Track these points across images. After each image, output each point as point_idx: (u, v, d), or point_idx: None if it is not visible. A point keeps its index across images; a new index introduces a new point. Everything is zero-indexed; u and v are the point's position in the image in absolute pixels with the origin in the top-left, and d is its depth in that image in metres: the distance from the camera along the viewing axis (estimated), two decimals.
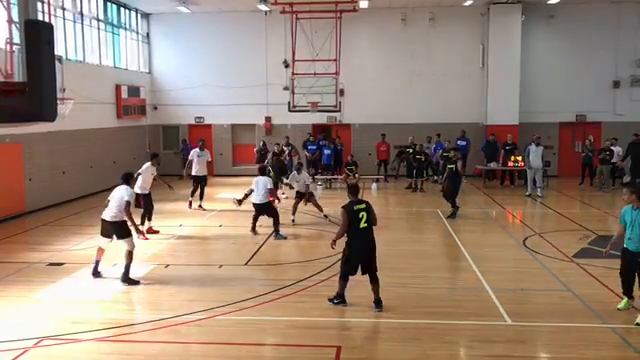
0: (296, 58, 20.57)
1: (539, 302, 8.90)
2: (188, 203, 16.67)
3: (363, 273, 8.42)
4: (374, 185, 20.97)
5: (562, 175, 23.49)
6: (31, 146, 16.52)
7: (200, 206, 16.66)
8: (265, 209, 13.26)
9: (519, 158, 20.69)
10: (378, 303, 8.40)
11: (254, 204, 13.34)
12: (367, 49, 24.31)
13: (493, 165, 21.60)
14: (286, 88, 22.23)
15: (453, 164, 15.50)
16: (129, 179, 10.32)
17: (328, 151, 22.37)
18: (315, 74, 19.93)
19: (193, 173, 16.55)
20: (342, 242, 8.51)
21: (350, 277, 8.49)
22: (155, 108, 25.46)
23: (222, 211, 16.51)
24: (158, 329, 7.79)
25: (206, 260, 11.67)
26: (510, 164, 20.99)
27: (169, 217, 15.13)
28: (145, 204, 13.38)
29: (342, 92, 22.12)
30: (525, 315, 8.24)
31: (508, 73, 23.07)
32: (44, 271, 10.67)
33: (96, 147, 20.23)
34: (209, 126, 25.43)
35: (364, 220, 8.27)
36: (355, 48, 23.64)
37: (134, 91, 23.29)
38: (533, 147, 18.89)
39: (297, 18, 20.64)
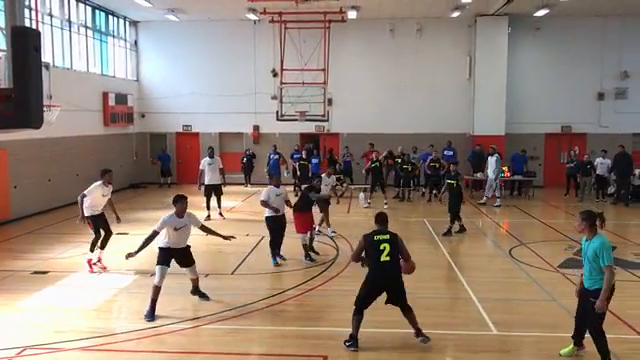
0: (284, 67, 20.62)
1: (525, 312, 8.95)
2: (206, 216, 16.03)
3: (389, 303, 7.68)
4: (362, 195, 20.96)
5: (548, 186, 23.69)
6: (17, 153, 16.38)
7: (220, 214, 16.48)
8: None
9: (505, 168, 20.91)
10: (419, 333, 7.58)
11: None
12: (355, 59, 24.41)
13: (479, 175, 21.73)
14: (274, 97, 22.27)
15: (454, 180, 14.41)
16: (178, 201, 9.04)
17: (316, 160, 22.36)
18: (303, 83, 19.98)
19: (205, 182, 16.33)
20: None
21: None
22: (143, 116, 25.39)
23: (207, 220, 16.33)
24: (143, 338, 7.74)
25: None
26: None
27: (152, 226, 14.97)
28: (96, 227, 11.06)
29: (330, 101, 22.21)
30: (511, 325, 8.28)
31: (494, 84, 23.30)
32: (28, 279, 10.56)
33: (83, 155, 20.10)
34: (196, 134, 25.38)
35: (386, 253, 7.38)
36: (343, 58, 23.70)
37: (121, 99, 23.21)
38: (489, 158, 19.87)
39: (286, 28, 20.71)
